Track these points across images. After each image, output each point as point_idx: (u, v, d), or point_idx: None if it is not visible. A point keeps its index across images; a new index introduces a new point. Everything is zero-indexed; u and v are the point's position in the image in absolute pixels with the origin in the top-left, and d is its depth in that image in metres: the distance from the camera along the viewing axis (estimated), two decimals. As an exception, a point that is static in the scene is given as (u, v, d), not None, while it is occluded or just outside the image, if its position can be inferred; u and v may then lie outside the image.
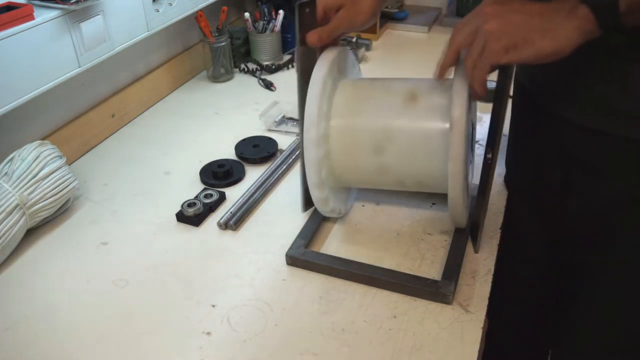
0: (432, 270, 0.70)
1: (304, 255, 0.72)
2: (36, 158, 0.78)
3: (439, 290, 0.65)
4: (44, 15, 0.81)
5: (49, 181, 0.78)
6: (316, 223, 0.78)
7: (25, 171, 0.76)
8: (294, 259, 0.72)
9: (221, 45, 1.23)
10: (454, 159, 0.61)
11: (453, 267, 0.69)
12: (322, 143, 0.67)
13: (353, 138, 0.69)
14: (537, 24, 0.51)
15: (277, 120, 1.07)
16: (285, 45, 1.40)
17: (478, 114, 0.93)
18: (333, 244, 0.76)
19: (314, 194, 0.70)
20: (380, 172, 0.70)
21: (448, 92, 0.64)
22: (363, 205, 0.83)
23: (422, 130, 0.66)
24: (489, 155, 0.67)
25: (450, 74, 0.64)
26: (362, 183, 0.77)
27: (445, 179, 0.63)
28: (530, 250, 0.87)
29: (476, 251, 0.73)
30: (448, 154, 0.62)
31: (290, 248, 0.73)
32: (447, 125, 0.63)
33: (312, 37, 0.69)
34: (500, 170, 0.90)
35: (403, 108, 0.67)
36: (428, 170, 0.67)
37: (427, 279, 0.67)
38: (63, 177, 0.81)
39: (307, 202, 0.77)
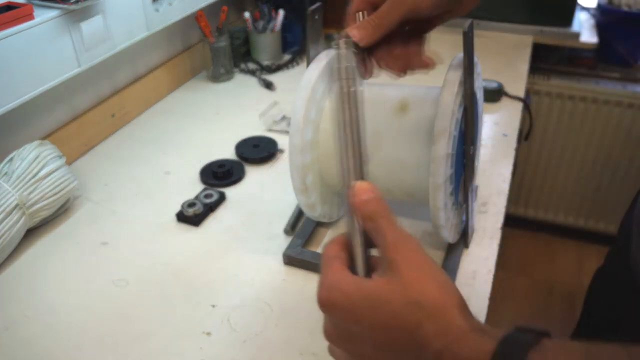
0: (432, 270, 0.70)
1: (301, 255, 0.72)
2: (36, 158, 0.78)
3: None
4: (43, 15, 0.81)
5: (49, 181, 0.78)
6: (315, 222, 0.78)
7: (25, 171, 0.76)
8: (290, 259, 0.72)
9: (221, 45, 1.23)
10: (435, 174, 0.60)
11: (449, 268, 0.69)
12: (307, 149, 0.67)
13: None
14: None
15: (277, 120, 1.07)
16: (285, 45, 1.40)
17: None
18: (333, 244, 0.76)
19: (300, 199, 0.70)
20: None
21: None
22: (363, 205, 0.83)
23: (409, 141, 0.65)
24: (472, 146, 0.67)
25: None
26: None
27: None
28: None
29: (466, 246, 0.73)
30: (429, 169, 0.60)
31: (288, 247, 0.73)
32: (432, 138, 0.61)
33: (355, 33, 0.53)
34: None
35: (393, 117, 0.67)
36: (414, 182, 0.66)
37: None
38: (63, 177, 0.80)
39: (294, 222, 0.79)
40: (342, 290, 0.36)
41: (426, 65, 0.60)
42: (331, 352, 0.41)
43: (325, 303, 0.37)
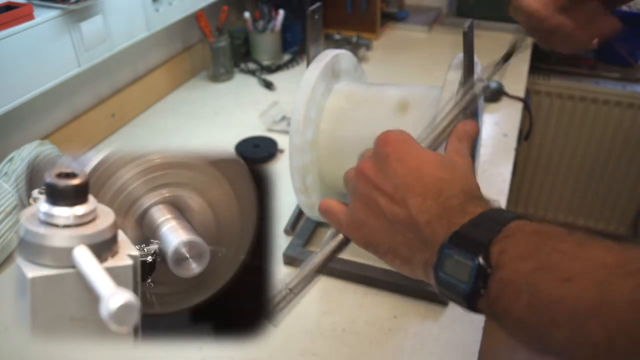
0: (432, 270, 0.70)
1: (301, 255, 0.72)
2: (36, 158, 0.78)
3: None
4: (43, 15, 0.81)
5: (49, 181, 0.78)
6: (315, 222, 0.78)
7: (25, 171, 0.76)
8: (291, 259, 0.72)
9: (221, 45, 1.23)
10: None
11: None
12: (307, 150, 0.67)
13: (341, 145, 0.68)
14: (395, 242, 0.41)
15: (277, 120, 1.07)
16: (285, 45, 1.40)
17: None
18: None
19: (300, 199, 0.70)
20: None
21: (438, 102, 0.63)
22: (363, 205, 0.83)
23: None
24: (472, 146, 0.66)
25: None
26: None
27: None
28: None
29: None
30: None
31: (288, 248, 0.73)
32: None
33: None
34: None
35: (393, 117, 0.67)
36: None
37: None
38: (63, 177, 0.80)
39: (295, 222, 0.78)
40: (403, 134, 0.45)
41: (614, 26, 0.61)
42: (355, 183, 0.46)
43: (386, 135, 0.44)
